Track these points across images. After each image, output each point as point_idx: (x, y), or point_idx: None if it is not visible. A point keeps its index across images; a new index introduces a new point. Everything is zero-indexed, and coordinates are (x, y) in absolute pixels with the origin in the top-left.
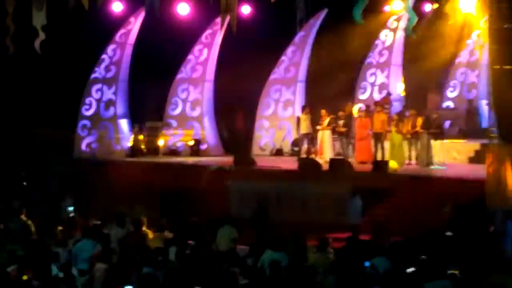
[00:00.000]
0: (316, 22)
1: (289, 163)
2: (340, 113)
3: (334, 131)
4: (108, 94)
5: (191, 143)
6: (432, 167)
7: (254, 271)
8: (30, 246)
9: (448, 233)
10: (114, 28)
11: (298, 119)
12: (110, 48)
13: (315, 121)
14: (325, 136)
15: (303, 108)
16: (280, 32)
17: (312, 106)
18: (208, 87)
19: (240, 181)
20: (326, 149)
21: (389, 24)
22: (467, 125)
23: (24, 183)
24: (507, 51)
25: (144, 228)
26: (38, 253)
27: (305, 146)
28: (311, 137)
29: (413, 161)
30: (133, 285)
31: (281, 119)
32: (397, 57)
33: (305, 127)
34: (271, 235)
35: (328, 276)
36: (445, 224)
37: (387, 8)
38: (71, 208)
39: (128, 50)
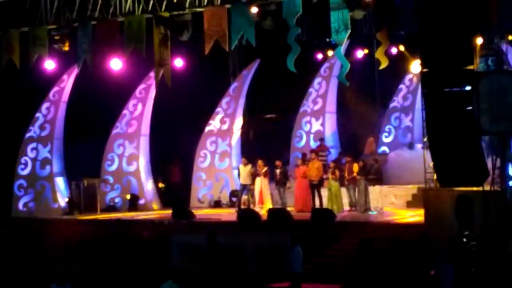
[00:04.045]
0: (249, 72)
1: (228, 215)
2: (277, 163)
3: (271, 180)
4: (44, 152)
5: (129, 197)
6: (370, 212)
7: None
8: None
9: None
10: (47, 86)
11: (239, 170)
12: (44, 107)
13: (253, 172)
14: (263, 186)
15: (242, 159)
16: (214, 84)
17: (249, 156)
18: (143, 142)
19: (179, 234)
20: (266, 198)
21: (322, 72)
22: None
23: None
24: (441, 95)
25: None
26: None
27: (244, 197)
28: (249, 188)
29: (352, 208)
30: None
31: (218, 171)
32: (331, 104)
33: (243, 178)
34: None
35: None
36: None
37: (319, 56)
38: None
39: (62, 108)
